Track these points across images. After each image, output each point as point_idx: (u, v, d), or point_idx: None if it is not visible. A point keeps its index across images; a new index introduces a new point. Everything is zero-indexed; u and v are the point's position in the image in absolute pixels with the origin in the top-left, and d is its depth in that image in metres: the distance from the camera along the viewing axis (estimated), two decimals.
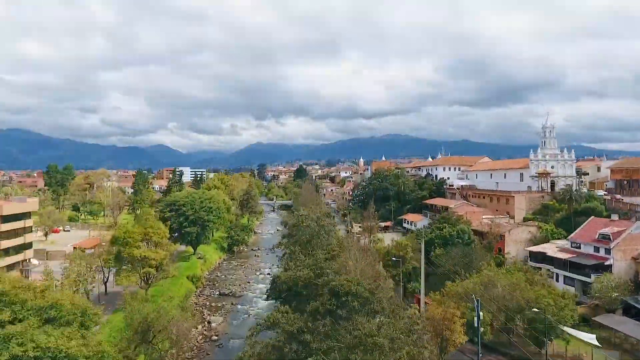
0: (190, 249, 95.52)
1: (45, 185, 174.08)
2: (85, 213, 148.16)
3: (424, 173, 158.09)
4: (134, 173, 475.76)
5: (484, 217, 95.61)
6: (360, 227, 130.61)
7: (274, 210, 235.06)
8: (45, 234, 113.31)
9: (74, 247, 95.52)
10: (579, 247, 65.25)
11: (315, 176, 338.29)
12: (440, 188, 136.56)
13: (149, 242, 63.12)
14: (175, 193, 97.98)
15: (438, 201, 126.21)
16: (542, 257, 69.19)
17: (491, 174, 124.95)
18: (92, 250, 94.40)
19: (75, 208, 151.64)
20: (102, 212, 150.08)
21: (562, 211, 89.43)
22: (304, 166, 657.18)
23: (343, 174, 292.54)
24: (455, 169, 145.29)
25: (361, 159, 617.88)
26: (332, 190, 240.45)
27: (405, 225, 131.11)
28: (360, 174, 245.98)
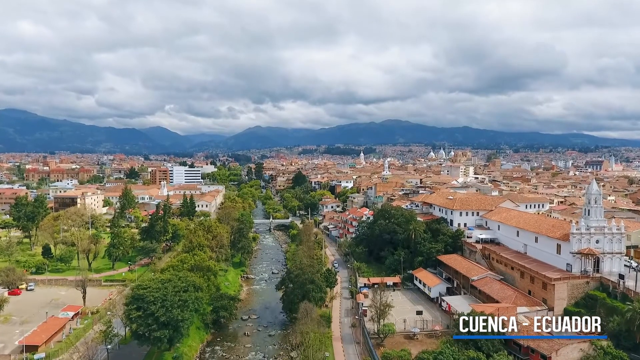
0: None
1: (13, 219, 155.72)
2: (56, 259, 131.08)
3: (435, 212, 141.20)
4: (128, 169, 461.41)
5: (519, 311, 79.14)
6: (366, 285, 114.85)
7: (270, 230, 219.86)
8: None
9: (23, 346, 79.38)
10: None
11: (315, 182, 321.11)
12: (457, 241, 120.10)
13: None
14: (145, 281, 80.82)
15: (456, 263, 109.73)
16: None
17: (518, 232, 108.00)
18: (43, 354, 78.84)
19: (46, 249, 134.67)
20: (76, 257, 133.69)
21: (617, 313, 73.26)
22: (303, 160, 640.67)
23: (344, 184, 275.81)
24: (473, 213, 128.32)
25: (362, 154, 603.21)
26: (332, 208, 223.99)
27: (416, 283, 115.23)
28: (364, 190, 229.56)
